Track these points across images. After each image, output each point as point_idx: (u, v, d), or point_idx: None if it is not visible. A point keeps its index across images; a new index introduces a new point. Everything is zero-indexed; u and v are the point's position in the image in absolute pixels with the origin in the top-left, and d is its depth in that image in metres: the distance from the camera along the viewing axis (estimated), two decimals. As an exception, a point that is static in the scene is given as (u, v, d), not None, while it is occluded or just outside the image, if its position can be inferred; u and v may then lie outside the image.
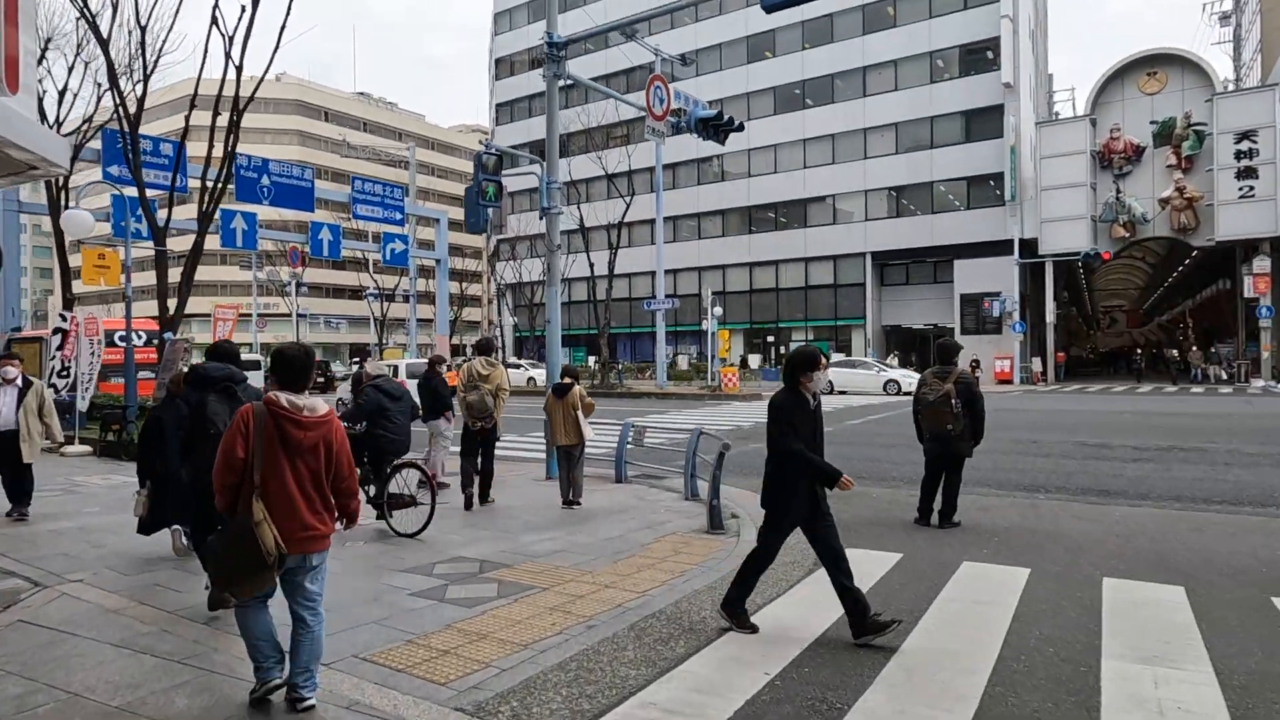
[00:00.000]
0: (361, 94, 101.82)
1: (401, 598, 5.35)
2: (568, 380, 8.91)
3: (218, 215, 24.45)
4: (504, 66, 60.08)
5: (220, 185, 16.53)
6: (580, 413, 8.72)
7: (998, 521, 7.94)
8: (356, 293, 64.32)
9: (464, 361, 9.66)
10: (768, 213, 48.24)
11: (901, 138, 43.34)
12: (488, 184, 10.35)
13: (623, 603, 5.19)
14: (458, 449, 9.40)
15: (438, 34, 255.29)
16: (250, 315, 52.91)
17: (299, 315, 49.85)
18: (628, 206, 34.74)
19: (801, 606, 5.33)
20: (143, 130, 17.01)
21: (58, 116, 18.23)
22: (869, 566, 6.18)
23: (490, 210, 11.14)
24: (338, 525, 3.82)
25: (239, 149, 17.42)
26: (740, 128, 14.12)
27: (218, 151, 16.21)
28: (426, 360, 10.94)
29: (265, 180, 25.22)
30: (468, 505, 9.10)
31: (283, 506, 3.51)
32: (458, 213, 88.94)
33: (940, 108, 42.04)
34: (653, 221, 50.66)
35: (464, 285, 58.82)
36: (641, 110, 12.47)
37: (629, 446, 10.85)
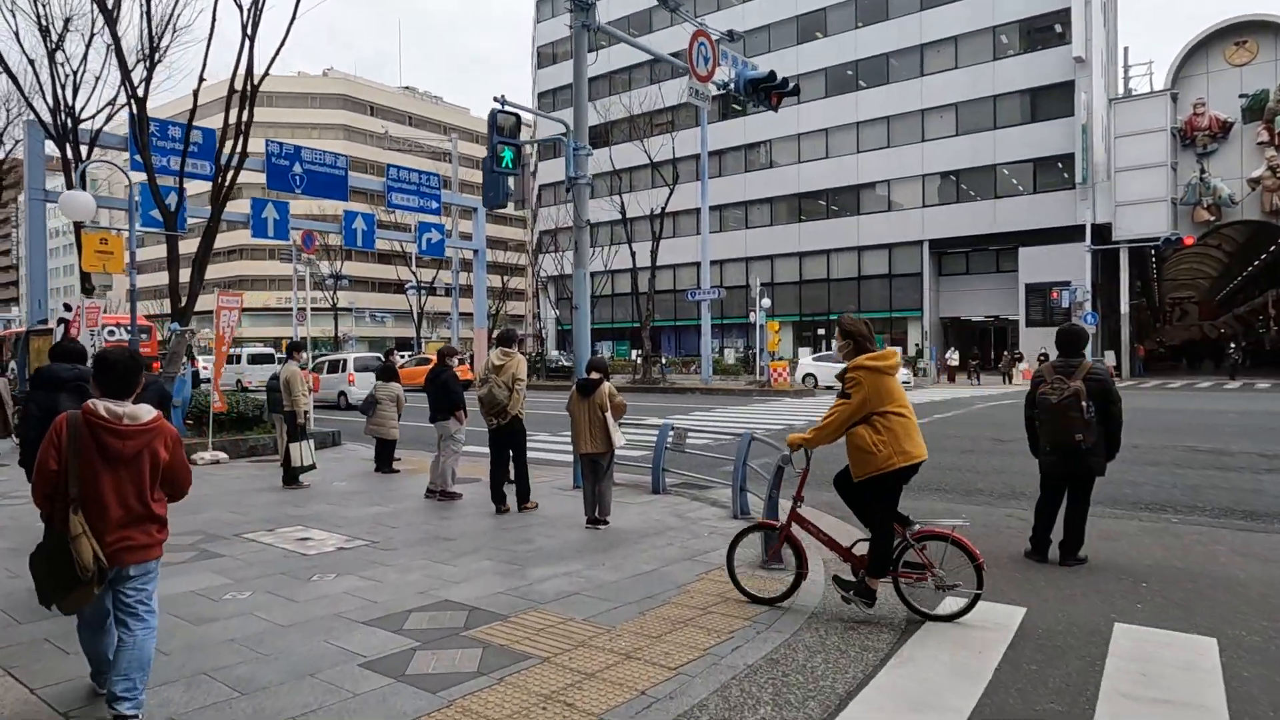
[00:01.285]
0: (407, 88, 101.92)
1: (349, 670, 3.96)
2: (594, 376, 7.46)
3: (248, 205, 23.67)
4: (545, 56, 58.94)
5: (236, 167, 15.44)
6: (609, 415, 7.26)
7: (1134, 557, 6.26)
8: (400, 287, 63.94)
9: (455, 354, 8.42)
10: (818, 200, 46.23)
11: (962, 119, 40.97)
12: (504, 147, 8.95)
13: (647, 688, 3.72)
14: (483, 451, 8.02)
15: (484, 29, 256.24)
16: (291, 309, 52.67)
17: (338, 309, 49.38)
18: (671, 192, 33.19)
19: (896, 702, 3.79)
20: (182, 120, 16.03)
21: (71, 105, 17.37)
22: (984, 632, 4.62)
23: (510, 181, 9.74)
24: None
25: (286, 141, 16.52)
26: (795, 91, 12.53)
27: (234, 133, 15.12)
28: (435, 354, 9.60)
29: (297, 168, 24.24)
30: (497, 510, 8.22)
31: (101, 519, 3.33)
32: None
33: (1004, 86, 39.57)
34: (697, 210, 49.07)
35: (506, 279, 57.89)
36: (682, 95, 10.98)
37: (668, 450, 9.37)
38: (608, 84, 50.97)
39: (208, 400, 12.64)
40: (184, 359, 13.11)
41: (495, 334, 8.44)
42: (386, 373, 11.34)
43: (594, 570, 5.86)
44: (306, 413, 10.15)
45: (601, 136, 44.00)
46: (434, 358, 9.10)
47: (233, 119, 15.04)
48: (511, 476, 8.50)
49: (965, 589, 4.76)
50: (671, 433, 9.38)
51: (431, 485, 9.12)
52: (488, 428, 8.43)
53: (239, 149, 14.83)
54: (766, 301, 35.72)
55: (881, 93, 43.36)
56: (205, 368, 26.67)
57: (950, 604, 4.84)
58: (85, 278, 16.91)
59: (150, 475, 3.42)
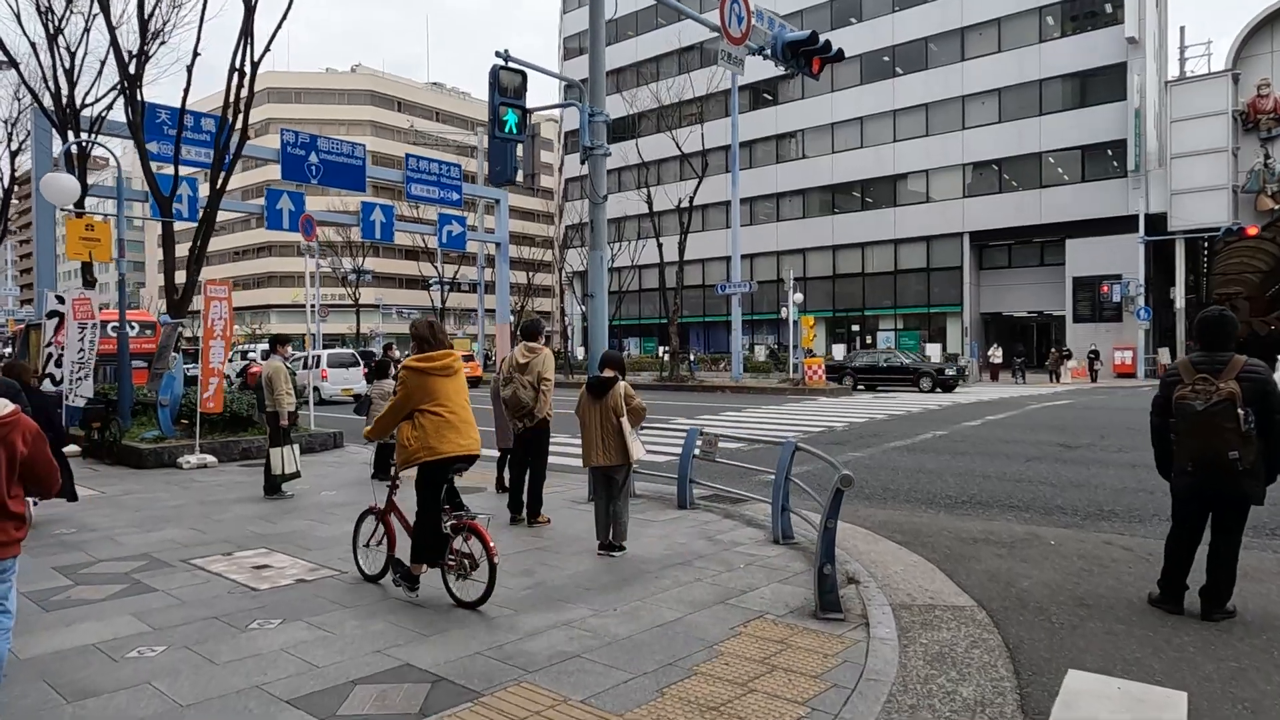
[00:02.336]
0: (435, 84, 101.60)
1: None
2: (609, 374, 6.26)
3: (263, 196, 22.80)
4: (572, 46, 57.89)
5: (237, 148, 14.51)
6: (625, 421, 6.06)
7: (1289, 604, 4.93)
8: (426, 283, 63.36)
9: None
10: (853, 192, 44.61)
11: (1005, 105, 39.14)
12: (507, 109, 7.76)
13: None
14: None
15: (513, 28, 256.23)
16: (315, 305, 52.18)
17: (362, 306, 48.77)
18: (699, 182, 31.91)
19: None
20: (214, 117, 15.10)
21: (72, 91, 16.44)
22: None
23: (519, 150, 8.58)
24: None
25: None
26: (839, 56, 11.19)
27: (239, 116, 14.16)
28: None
29: (313, 158, 23.33)
30: (512, 521, 7.38)
31: None
32: (521, 199, 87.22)
33: (1051, 69, 37.68)
34: (726, 203, 47.68)
35: (531, 275, 56.99)
36: (712, 83, 9.74)
37: (696, 457, 8.15)
38: (635, 75, 49.74)
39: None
40: (175, 354, 12.14)
41: (519, 327, 7.36)
42: (379, 370, 10.25)
43: (603, 618, 4.67)
44: (293, 413, 9.07)
45: (629, 129, 42.83)
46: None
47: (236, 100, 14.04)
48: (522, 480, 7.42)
49: (479, 579, 4.93)
50: (700, 439, 8.16)
51: (425, 498, 7.98)
52: (508, 433, 7.41)
53: (235, 125, 13.82)
54: (799, 296, 34.26)
55: (920, 79, 41.62)
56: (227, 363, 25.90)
57: (471, 590, 4.97)
58: (86, 269, 16.12)
59: (7, 470, 3.24)
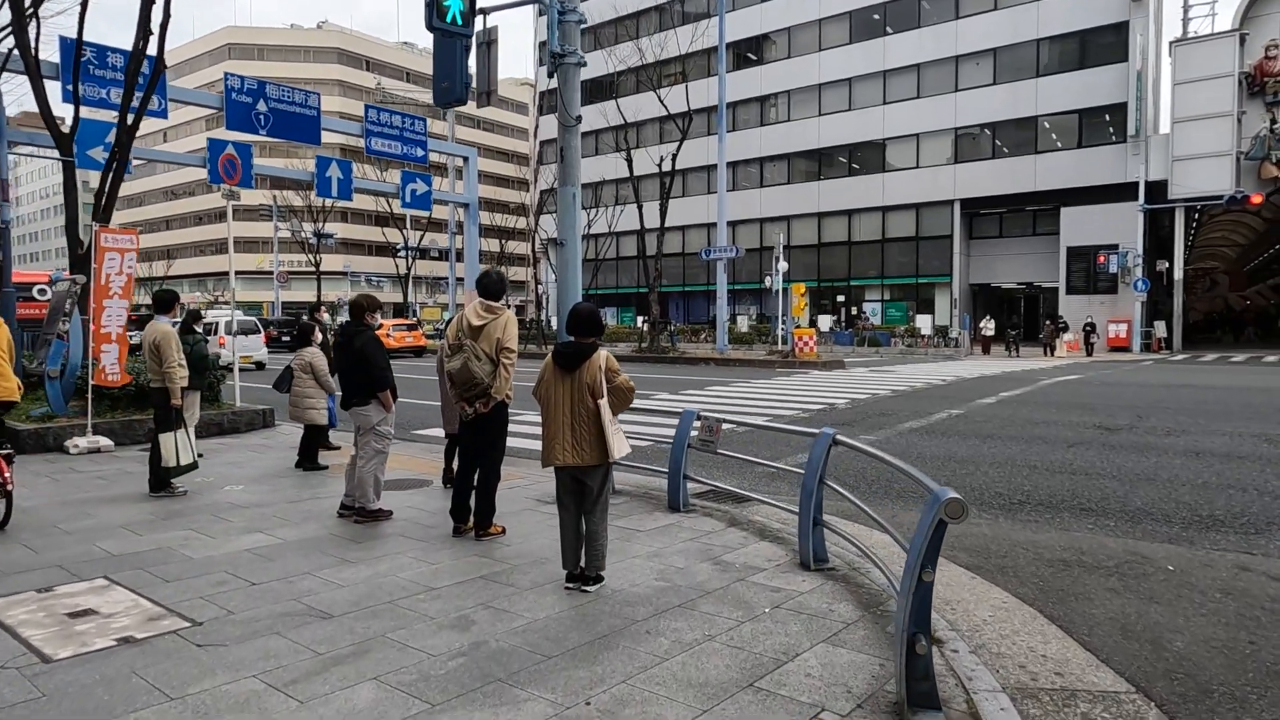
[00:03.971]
0: (406, 44, 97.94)
1: None
2: (587, 340, 4.50)
3: (204, 145, 20.65)
4: (548, 1, 55.22)
5: (151, 81, 12.46)
6: (604, 405, 4.33)
7: None
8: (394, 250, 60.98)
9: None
10: (839, 156, 42.85)
11: (1001, 66, 37.46)
12: (448, -6, 5.91)
13: None
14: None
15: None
16: (271, 271, 49.85)
17: (323, 273, 46.60)
18: (681, 141, 29.98)
19: None
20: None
21: None
22: None
23: (465, 57, 6.75)
24: None
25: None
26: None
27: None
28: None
29: (261, 105, 21.03)
30: (455, 532, 5.68)
31: None
32: (494, 164, 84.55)
33: (1049, 28, 36.01)
34: (707, 168, 45.74)
35: (504, 242, 54.83)
36: (695, 41, 7.91)
37: (691, 446, 6.46)
38: (614, 31, 47.40)
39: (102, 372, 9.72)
40: (68, 315, 10.19)
41: (477, 280, 5.50)
42: (301, 338, 8.43)
43: (573, 711, 2.99)
44: (185, 390, 7.24)
45: (608, 89, 40.67)
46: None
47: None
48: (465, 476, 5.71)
49: None
50: (698, 425, 6.46)
51: (347, 500, 6.25)
52: (455, 416, 5.69)
53: (143, 49, 11.76)
54: (784, 265, 32.62)
55: (911, 38, 39.77)
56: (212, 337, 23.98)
57: None
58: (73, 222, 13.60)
59: None
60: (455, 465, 6.53)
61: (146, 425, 10.00)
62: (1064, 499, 6.92)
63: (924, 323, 35.64)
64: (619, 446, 4.38)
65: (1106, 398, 14.66)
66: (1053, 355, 29.88)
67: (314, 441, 8.43)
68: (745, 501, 6.69)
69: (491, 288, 5.52)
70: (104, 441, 9.37)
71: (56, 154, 12.67)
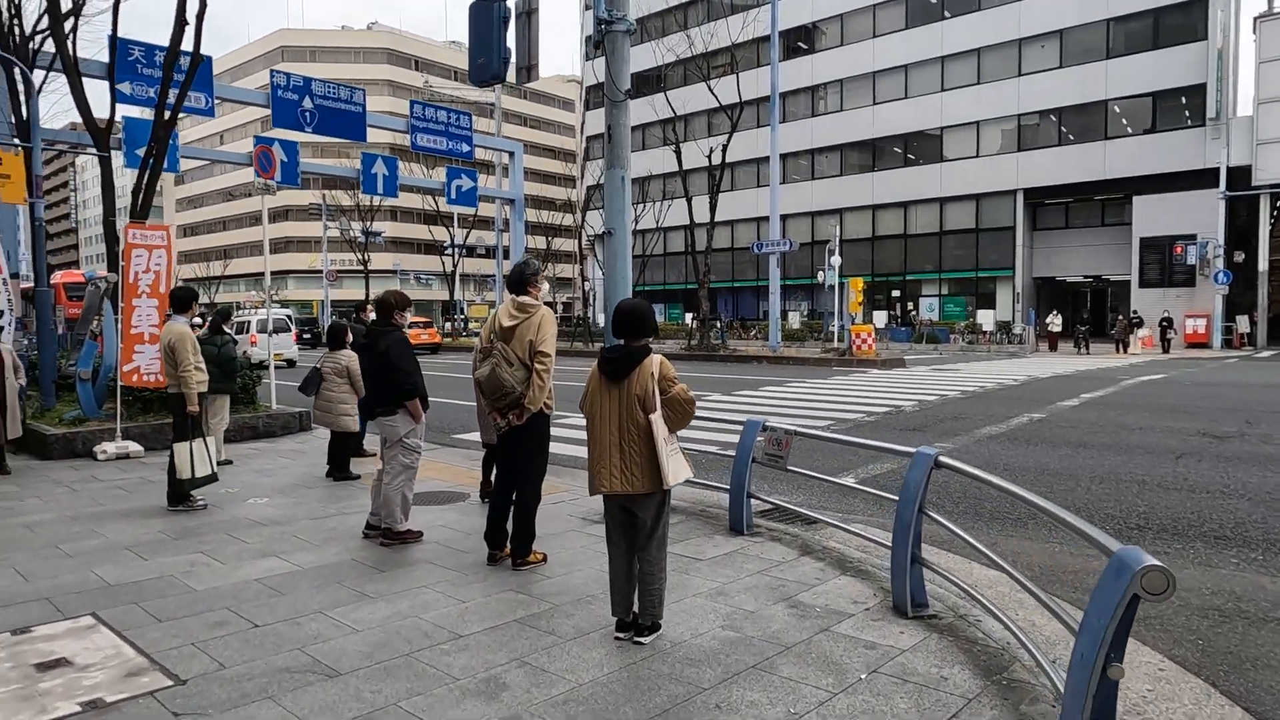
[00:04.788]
0: (453, 43, 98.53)
1: None
2: (638, 343, 3.77)
3: (249, 142, 20.47)
4: (595, -6, 54.66)
5: (189, 74, 12.12)
6: (657, 420, 3.59)
7: None
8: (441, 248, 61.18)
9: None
10: (895, 146, 41.42)
11: (1068, 48, 35.68)
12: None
13: None
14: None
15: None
16: (333, 271, 50.29)
17: (372, 272, 46.72)
18: (732, 131, 29.00)
19: None
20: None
21: (11, 20, 14.02)
22: None
23: (504, 29, 6.08)
24: None
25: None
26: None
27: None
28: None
29: (307, 103, 20.92)
30: (490, 559, 5.02)
31: None
32: (541, 161, 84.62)
33: (1119, 7, 34.16)
34: (757, 161, 44.65)
35: (550, 239, 54.45)
36: (744, 32, 7.11)
37: (756, 461, 5.70)
38: (660, 24, 46.63)
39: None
40: (100, 314, 9.84)
41: (509, 273, 4.78)
42: (335, 339, 7.87)
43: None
44: (205, 395, 6.73)
45: (655, 81, 39.88)
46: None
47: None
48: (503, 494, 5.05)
49: None
50: (764, 435, 5.69)
51: (373, 519, 5.63)
52: (489, 427, 5.07)
53: (180, 41, 11.38)
54: (837, 259, 31.47)
55: (971, 21, 38.17)
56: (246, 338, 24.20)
57: None
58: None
59: None
60: (494, 478, 5.89)
61: (178, 429, 9.61)
62: (1190, 523, 5.98)
63: (985, 318, 34.12)
64: (676, 471, 3.65)
65: (1202, 400, 13.43)
66: (1126, 352, 28.25)
67: (345, 448, 7.87)
68: (815, 524, 5.90)
69: (521, 280, 4.83)
70: (133, 447, 8.96)
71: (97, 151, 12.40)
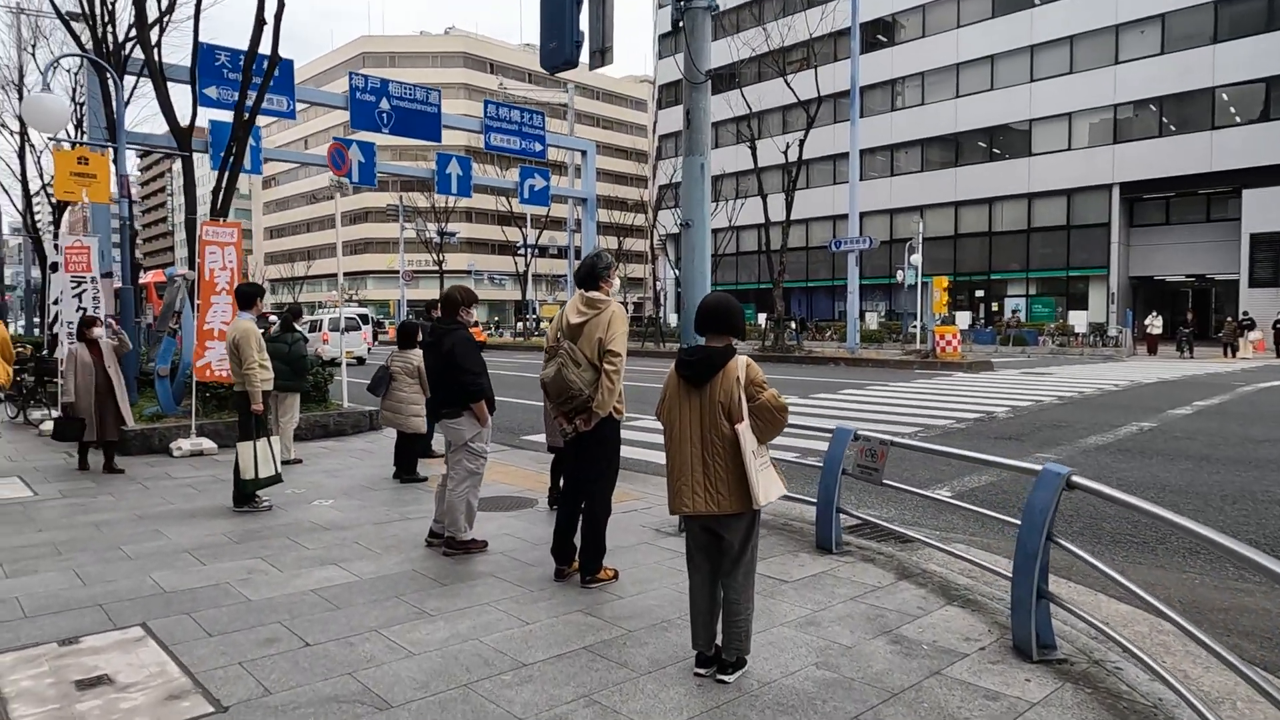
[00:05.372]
0: (528, 45, 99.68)
1: None
2: (718, 343, 3.35)
3: (329, 155, 20.84)
4: (668, -8, 54.38)
5: (267, 73, 12.22)
6: (745, 430, 3.15)
7: None
8: (514, 248, 61.77)
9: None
10: (979, 141, 39.79)
11: (1170, 32, 33.60)
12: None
13: None
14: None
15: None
16: (406, 270, 51.29)
17: (446, 272, 47.39)
18: (810, 123, 28.15)
19: None
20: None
21: (104, 27, 14.50)
22: None
23: (576, 11, 5.73)
24: None
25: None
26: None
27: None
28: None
29: (384, 104, 21.20)
30: (558, 575, 4.65)
31: None
32: (613, 161, 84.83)
33: (1230, -13, 31.97)
34: (832, 158, 43.54)
35: (622, 239, 54.34)
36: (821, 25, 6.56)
37: (846, 473, 5.21)
38: (735, 19, 45.92)
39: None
40: (178, 311, 9.94)
41: (577, 267, 4.42)
42: (405, 337, 7.66)
43: None
44: (269, 394, 6.59)
45: (729, 80, 39.26)
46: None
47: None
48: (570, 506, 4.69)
49: None
50: (853, 446, 5.18)
51: (436, 527, 5.35)
52: (555, 433, 4.74)
53: (258, 43, 11.46)
54: (917, 257, 30.31)
55: (1063, 8, 36.33)
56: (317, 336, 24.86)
57: None
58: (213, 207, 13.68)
59: None
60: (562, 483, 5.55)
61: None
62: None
63: (1077, 319, 32.37)
64: (767, 489, 3.20)
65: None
66: (1235, 357, 26.33)
67: (413, 449, 7.66)
68: (910, 543, 5.36)
69: (591, 275, 4.45)
70: (207, 444, 8.97)
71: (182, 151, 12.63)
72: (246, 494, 6.28)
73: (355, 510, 6.37)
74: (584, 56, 6.45)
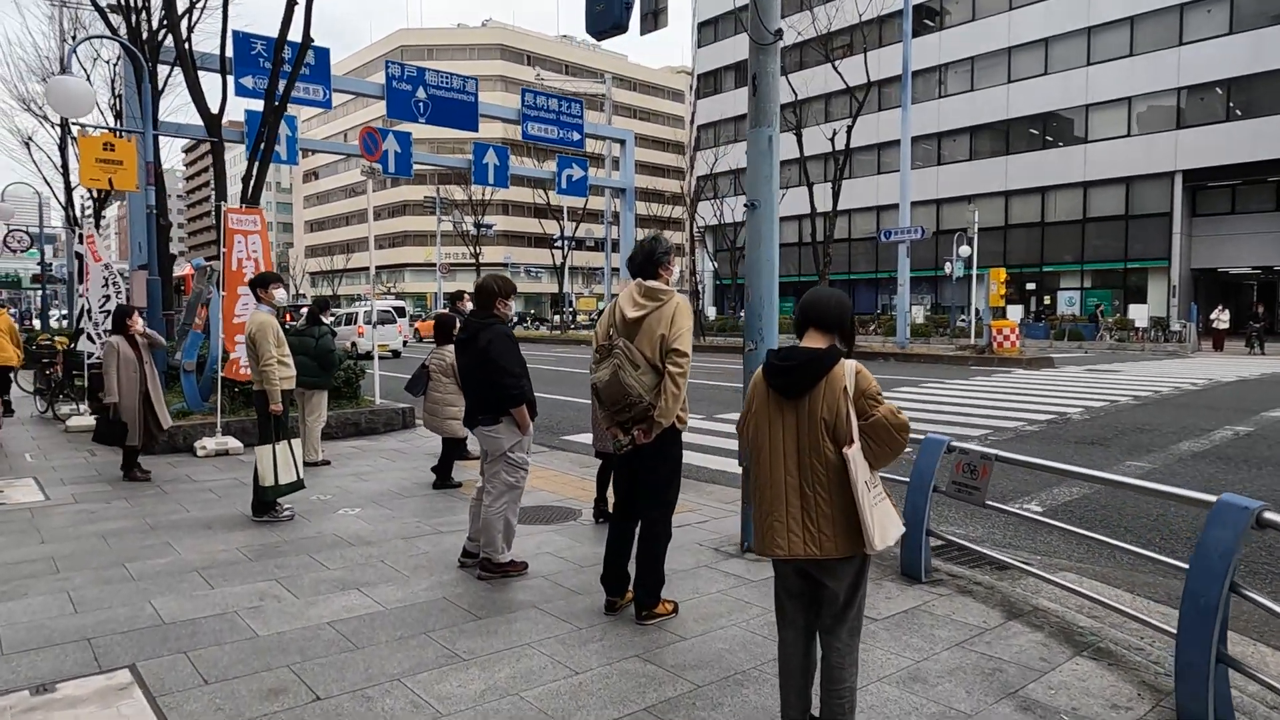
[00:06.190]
0: (565, 37, 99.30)
1: None
2: (816, 341, 2.68)
3: (361, 140, 20.50)
4: (707, -22, 53.35)
5: (298, 59, 11.78)
6: (853, 455, 2.48)
7: None
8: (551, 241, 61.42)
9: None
10: (1031, 127, 38.30)
11: (1239, 10, 31.88)
12: None
13: None
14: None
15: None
16: (441, 263, 51.21)
17: (482, 265, 47.16)
18: (858, 109, 27.10)
19: None
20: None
21: (137, 17, 14.24)
22: None
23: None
24: None
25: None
26: None
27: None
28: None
29: (421, 93, 20.78)
30: (609, 607, 4.01)
31: None
32: (650, 153, 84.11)
33: (1306, -38, 30.20)
34: (878, 146, 42.33)
35: (660, 231, 53.63)
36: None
37: (939, 491, 4.51)
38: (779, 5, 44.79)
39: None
40: (206, 304, 9.52)
41: (632, 252, 3.87)
42: (443, 332, 7.09)
43: None
44: (292, 392, 6.07)
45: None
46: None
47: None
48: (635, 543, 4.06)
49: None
50: (950, 459, 4.48)
51: (470, 545, 4.77)
52: (605, 438, 4.24)
53: (289, 24, 11.00)
54: (966, 249, 29.20)
55: (1123, -12, 34.71)
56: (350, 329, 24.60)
57: None
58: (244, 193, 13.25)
59: None
60: (610, 495, 4.93)
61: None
62: None
63: (1138, 313, 30.96)
64: (884, 527, 2.53)
65: None
66: (1310, 353, 24.86)
67: (451, 457, 7.09)
68: (1006, 569, 4.65)
69: (650, 262, 3.82)
70: (232, 443, 8.53)
71: (216, 139, 12.25)
72: (266, 501, 5.76)
73: (383, 521, 5.83)
74: (634, 21, 5.82)
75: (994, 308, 23.55)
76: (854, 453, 2.49)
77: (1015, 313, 35.92)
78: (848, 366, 2.59)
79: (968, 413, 11.49)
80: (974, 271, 27.31)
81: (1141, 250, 35.04)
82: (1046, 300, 38.15)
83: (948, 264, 32.07)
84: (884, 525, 2.52)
